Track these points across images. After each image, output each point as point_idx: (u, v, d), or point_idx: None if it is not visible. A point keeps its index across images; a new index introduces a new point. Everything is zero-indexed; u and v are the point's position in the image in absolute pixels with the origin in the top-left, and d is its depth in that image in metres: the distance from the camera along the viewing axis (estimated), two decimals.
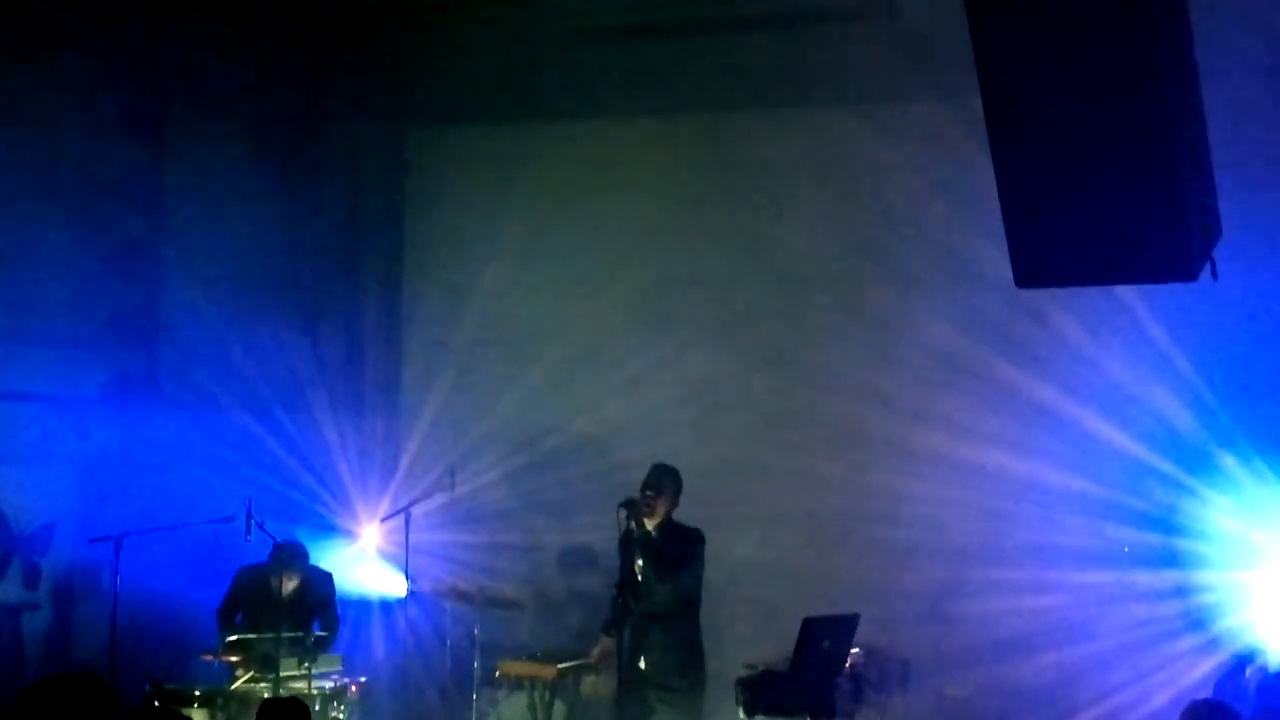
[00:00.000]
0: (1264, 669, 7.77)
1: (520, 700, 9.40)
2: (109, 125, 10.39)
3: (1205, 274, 4.94)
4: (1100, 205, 4.76)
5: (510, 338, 10.93)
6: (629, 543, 8.48)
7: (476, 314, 10.90)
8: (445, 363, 10.97)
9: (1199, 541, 8.97)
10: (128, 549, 8.64)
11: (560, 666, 9.34)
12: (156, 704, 8.25)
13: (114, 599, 8.62)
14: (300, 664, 8.47)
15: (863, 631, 8.49)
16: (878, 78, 9.93)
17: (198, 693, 8.37)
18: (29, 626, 9.82)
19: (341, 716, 8.60)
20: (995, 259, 5.22)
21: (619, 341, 10.60)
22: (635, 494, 8.51)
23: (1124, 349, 9.36)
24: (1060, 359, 9.52)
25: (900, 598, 9.59)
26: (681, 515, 8.63)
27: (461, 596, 9.73)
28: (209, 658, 8.73)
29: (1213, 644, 8.60)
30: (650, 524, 8.50)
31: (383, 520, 10.39)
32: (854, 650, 8.49)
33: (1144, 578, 9.05)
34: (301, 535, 9.49)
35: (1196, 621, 8.81)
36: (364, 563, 10.47)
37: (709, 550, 8.62)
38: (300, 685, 8.39)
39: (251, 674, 8.44)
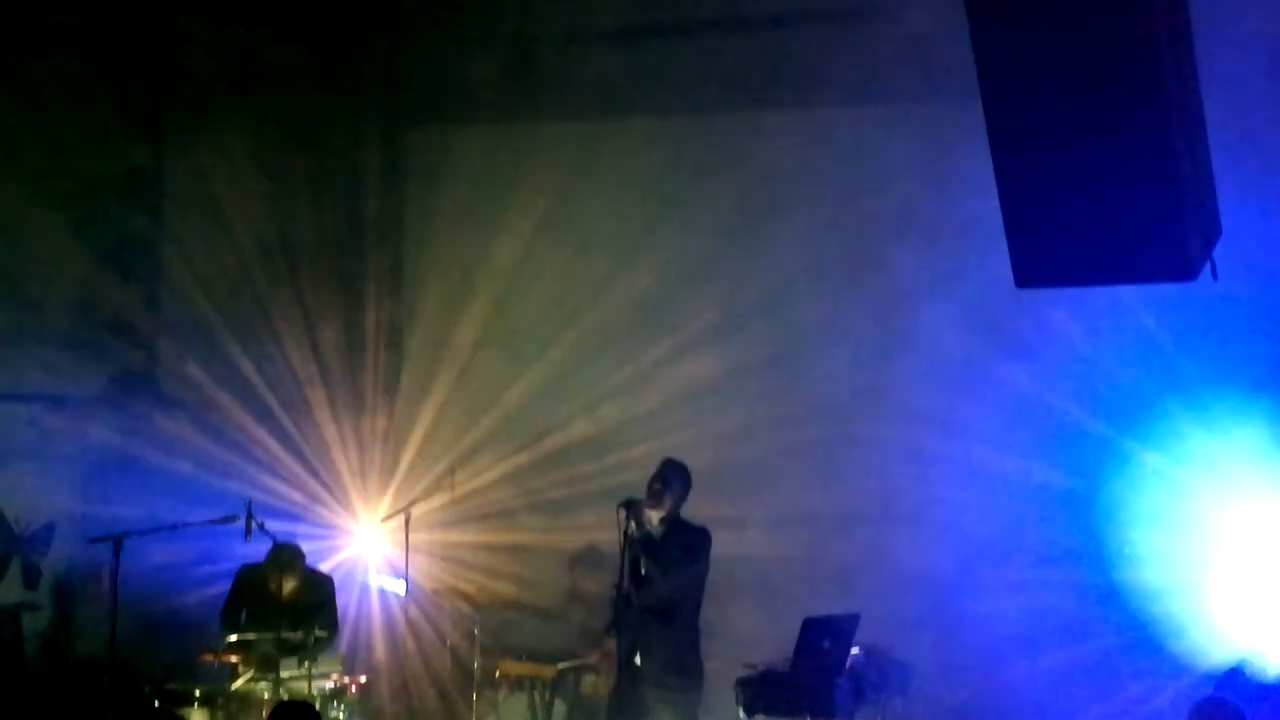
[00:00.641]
0: (1264, 669, 7.77)
1: (520, 700, 9.41)
2: (109, 125, 10.39)
3: (1205, 274, 4.94)
4: (1100, 205, 4.74)
5: (510, 338, 10.94)
6: (629, 543, 8.47)
7: (476, 314, 10.90)
8: (445, 363, 10.97)
9: (1199, 541, 8.96)
10: (128, 549, 8.62)
11: (560, 666, 9.34)
12: (156, 704, 8.26)
13: (114, 599, 8.61)
14: (300, 664, 8.47)
15: (863, 631, 8.49)
16: (878, 78, 9.93)
17: (198, 693, 8.39)
18: (29, 626, 9.83)
19: (341, 716, 8.61)
20: (995, 259, 5.20)
21: (619, 341, 10.59)
22: (635, 494, 8.49)
23: (1125, 349, 9.35)
24: (1061, 359, 9.52)
25: (900, 598, 9.58)
26: (682, 515, 8.63)
27: (461, 596, 9.73)
28: (209, 658, 8.72)
29: (1213, 644, 8.59)
30: (655, 517, 8.47)
31: (383, 520, 10.40)
32: (854, 650, 8.48)
33: (1144, 578, 9.04)
34: (301, 535, 9.50)
35: (1197, 621, 8.80)
36: (364, 563, 10.48)
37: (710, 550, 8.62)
38: (300, 685, 8.40)
39: (252, 674, 8.44)
